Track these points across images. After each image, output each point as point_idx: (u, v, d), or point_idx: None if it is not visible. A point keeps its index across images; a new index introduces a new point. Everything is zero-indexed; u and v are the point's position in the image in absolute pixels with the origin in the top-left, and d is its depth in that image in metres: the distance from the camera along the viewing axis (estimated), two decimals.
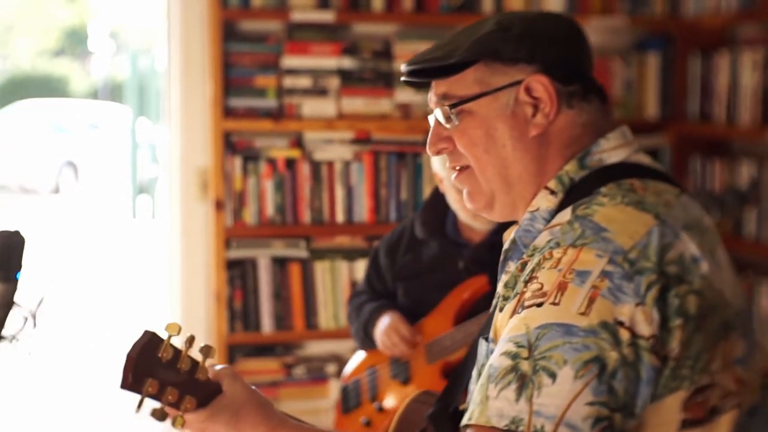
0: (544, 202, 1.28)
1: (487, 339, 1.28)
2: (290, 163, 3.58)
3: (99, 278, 8.79)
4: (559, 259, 1.16)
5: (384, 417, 2.72)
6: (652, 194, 1.24)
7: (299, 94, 3.55)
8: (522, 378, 1.11)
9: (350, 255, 3.65)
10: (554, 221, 1.24)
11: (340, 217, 3.62)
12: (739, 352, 1.18)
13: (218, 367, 1.39)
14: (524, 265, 1.23)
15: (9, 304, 1.40)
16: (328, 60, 3.55)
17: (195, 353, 1.34)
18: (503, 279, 1.32)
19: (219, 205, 3.50)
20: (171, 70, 3.64)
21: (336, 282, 3.62)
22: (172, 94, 3.64)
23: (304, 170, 3.59)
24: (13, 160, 14.25)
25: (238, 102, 3.52)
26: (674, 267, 1.15)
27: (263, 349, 3.65)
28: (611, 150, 1.29)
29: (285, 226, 3.59)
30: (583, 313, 1.11)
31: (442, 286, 2.68)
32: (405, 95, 3.60)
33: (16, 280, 1.39)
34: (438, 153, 1.35)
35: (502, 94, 1.29)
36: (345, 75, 3.57)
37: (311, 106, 3.55)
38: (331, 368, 3.68)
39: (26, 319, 1.42)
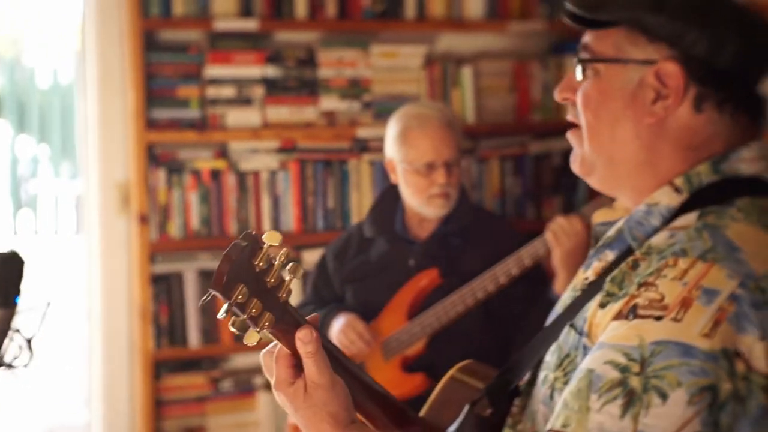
0: (666, 198, 1.19)
1: (574, 327, 1.20)
2: (215, 175, 3.51)
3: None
4: (685, 271, 1.08)
5: None
6: None
7: (223, 104, 3.49)
8: (630, 394, 1.05)
9: None
10: (677, 222, 1.16)
11: (266, 227, 3.57)
12: None
13: None
14: (635, 262, 1.15)
15: (5, 330, 1.32)
16: (252, 69, 3.49)
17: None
18: (594, 266, 1.26)
19: (143, 219, 3.41)
20: (87, 82, 3.53)
21: None
22: (88, 107, 3.53)
23: (230, 181, 3.52)
24: None
25: (161, 113, 3.43)
26: None
27: (190, 364, 3.56)
28: (749, 161, 1.18)
29: (211, 238, 3.52)
30: (706, 335, 1.04)
31: (391, 285, 2.69)
32: (330, 103, 3.58)
33: (14, 305, 1.31)
34: (563, 100, 1.27)
35: (632, 68, 1.19)
36: (269, 84, 3.52)
37: (235, 116, 3.50)
38: (258, 380, 3.61)
39: (21, 346, 1.35)
